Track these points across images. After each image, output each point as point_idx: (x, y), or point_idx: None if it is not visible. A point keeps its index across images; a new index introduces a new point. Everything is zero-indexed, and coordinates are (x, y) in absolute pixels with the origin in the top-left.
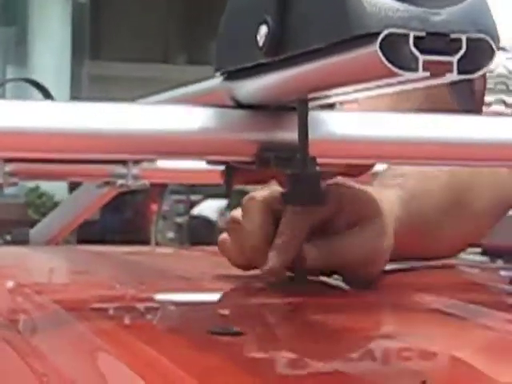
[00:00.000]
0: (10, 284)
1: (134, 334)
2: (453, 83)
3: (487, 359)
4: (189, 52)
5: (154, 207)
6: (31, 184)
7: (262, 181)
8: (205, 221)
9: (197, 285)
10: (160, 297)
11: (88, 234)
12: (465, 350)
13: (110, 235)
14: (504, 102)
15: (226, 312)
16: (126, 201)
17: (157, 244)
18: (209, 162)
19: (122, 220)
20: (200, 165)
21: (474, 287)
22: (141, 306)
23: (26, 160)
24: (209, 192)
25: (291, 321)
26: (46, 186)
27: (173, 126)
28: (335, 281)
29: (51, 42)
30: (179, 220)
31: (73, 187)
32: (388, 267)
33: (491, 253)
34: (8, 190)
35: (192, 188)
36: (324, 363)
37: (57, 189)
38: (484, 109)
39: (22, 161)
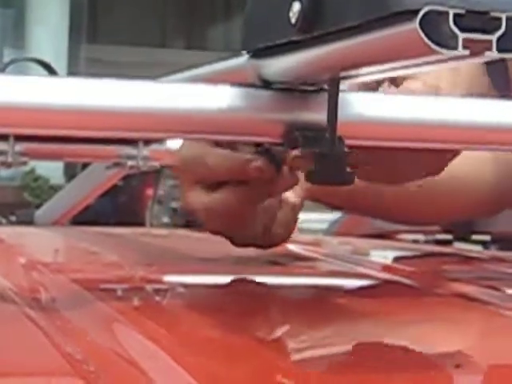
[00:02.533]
0: (24, 262)
1: (153, 313)
2: (489, 64)
3: None
4: (187, 37)
5: (149, 192)
6: (27, 167)
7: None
8: None
9: (209, 266)
10: (178, 278)
11: (82, 217)
12: (493, 334)
13: (105, 219)
14: None
15: (237, 293)
16: (121, 185)
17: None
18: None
19: (116, 204)
20: None
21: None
22: (159, 286)
23: (36, 139)
24: None
25: (313, 301)
26: (41, 169)
27: (197, 105)
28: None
29: (49, 25)
30: (174, 205)
31: (68, 171)
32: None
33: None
34: (3, 173)
35: None
36: (351, 348)
37: (52, 172)
38: None
39: (33, 140)
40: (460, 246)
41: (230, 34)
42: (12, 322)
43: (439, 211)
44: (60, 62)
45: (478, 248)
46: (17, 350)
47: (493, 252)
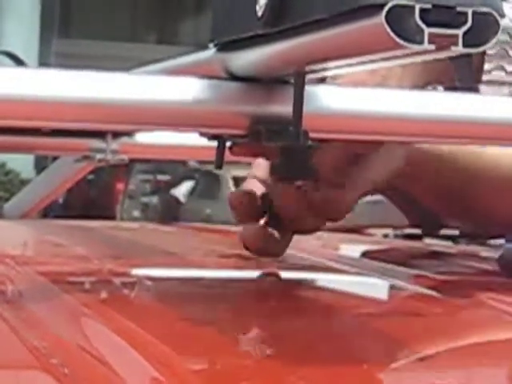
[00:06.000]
0: None
1: (120, 306)
2: (453, 59)
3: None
4: (158, 31)
5: (120, 186)
6: None
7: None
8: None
9: (176, 259)
10: (145, 271)
11: (53, 211)
12: (459, 327)
13: (76, 213)
14: (504, 69)
15: (204, 285)
16: (92, 179)
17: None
18: (202, 135)
19: (87, 198)
20: (180, 140)
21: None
22: (126, 279)
23: (3, 131)
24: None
25: (279, 294)
26: (12, 163)
27: (164, 97)
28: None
29: (20, 20)
30: (145, 199)
31: (39, 165)
32: None
33: None
34: None
35: (159, 168)
36: (316, 341)
37: (23, 166)
38: (484, 77)
39: (0, 132)
40: (429, 241)
41: (201, 28)
42: None
43: None
44: (31, 56)
45: (447, 243)
46: None
47: (461, 246)
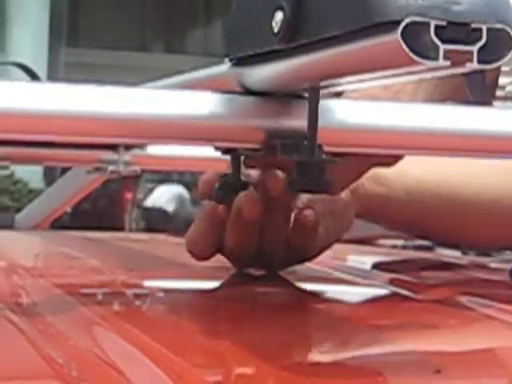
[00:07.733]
0: (5, 267)
1: (133, 317)
2: (467, 75)
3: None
4: (166, 40)
5: (129, 195)
6: (6, 171)
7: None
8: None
9: (190, 270)
10: (157, 283)
11: (61, 221)
12: (472, 339)
13: (84, 223)
14: None
15: (216, 297)
16: (100, 189)
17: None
18: (216, 149)
19: (95, 208)
20: (191, 152)
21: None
22: (139, 291)
23: (17, 143)
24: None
25: (292, 306)
26: (20, 172)
27: (178, 111)
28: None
29: (29, 29)
30: None
31: (47, 175)
32: None
33: None
34: None
35: (167, 176)
36: (331, 352)
37: (32, 176)
38: (498, 92)
39: (14, 144)
40: (438, 252)
41: (209, 37)
42: None
43: None
44: (40, 66)
45: (457, 254)
46: None
47: (471, 258)
